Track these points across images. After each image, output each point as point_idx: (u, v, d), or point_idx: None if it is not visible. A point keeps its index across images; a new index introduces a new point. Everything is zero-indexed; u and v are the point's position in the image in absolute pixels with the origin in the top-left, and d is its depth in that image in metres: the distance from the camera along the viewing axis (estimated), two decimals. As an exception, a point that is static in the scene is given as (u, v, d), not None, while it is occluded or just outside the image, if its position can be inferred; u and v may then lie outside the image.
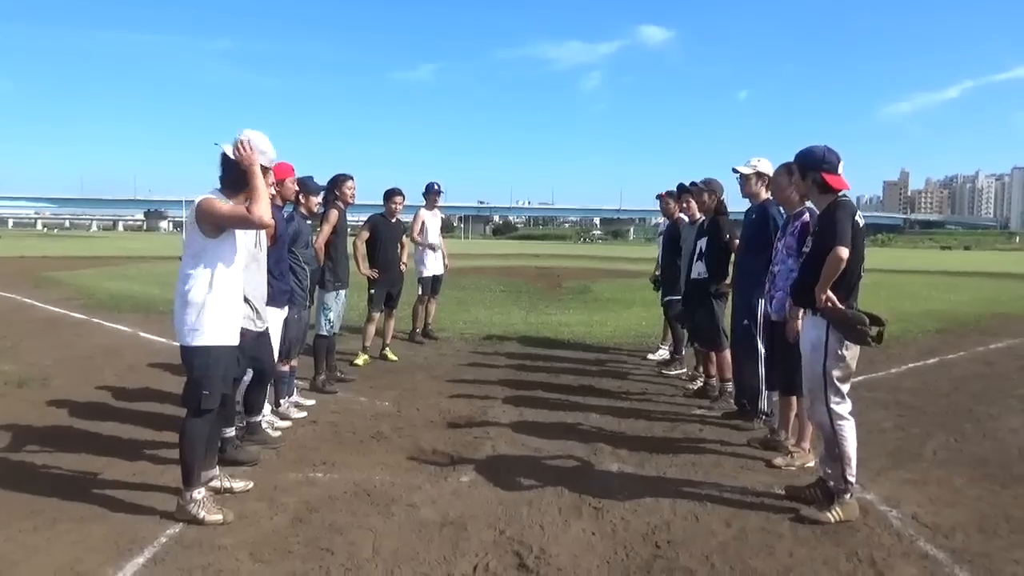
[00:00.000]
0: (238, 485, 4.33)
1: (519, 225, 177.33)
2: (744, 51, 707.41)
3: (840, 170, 4.14)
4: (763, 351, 5.53)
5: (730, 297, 6.32)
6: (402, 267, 8.56)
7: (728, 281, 6.42)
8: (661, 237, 9.07)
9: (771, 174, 5.67)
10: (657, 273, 9.15)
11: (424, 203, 9.77)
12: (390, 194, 8.42)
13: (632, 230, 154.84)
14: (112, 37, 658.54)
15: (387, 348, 8.60)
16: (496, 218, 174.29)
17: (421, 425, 5.84)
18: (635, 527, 3.91)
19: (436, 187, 9.72)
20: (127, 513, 3.97)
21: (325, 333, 6.87)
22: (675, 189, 7.72)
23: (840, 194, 4.13)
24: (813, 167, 4.13)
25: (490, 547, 3.66)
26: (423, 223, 9.63)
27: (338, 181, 7.03)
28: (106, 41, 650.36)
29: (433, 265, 9.74)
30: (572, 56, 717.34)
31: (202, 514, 3.85)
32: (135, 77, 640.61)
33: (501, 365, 8.36)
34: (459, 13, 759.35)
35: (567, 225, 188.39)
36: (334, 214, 6.92)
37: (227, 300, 3.90)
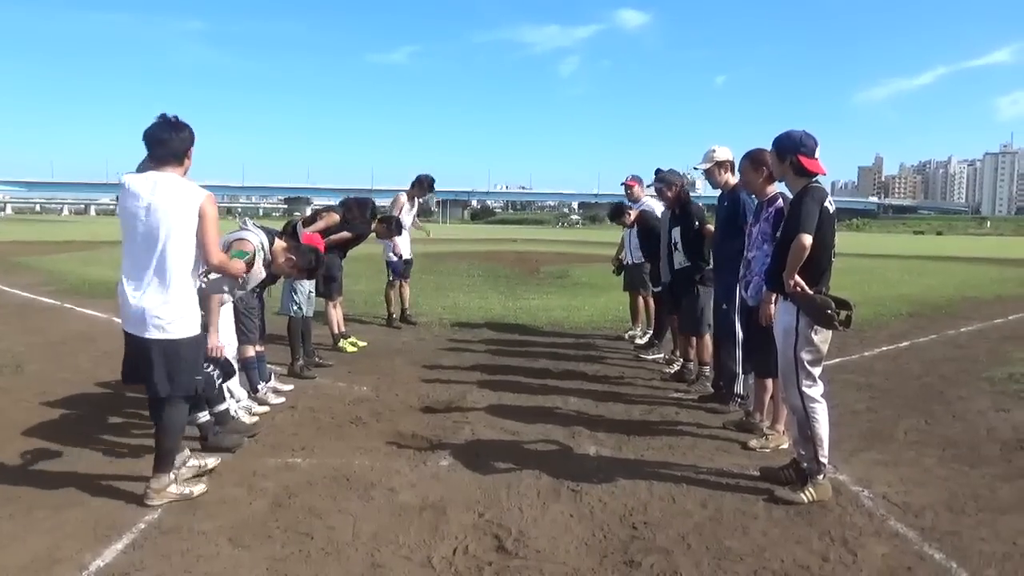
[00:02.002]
0: (211, 461, 4.37)
1: (497, 209, 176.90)
2: (721, 37, 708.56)
3: (817, 154, 4.18)
4: (741, 335, 5.60)
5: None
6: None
7: (711, 266, 6.49)
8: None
9: (731, 159, 5.77)
10: (620, 256, 9.21)
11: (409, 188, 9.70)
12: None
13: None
14: (81, 17, 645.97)
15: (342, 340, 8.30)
16: (474, 202, 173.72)
17: (400, 410, 5.85)
18: (613, 509, 3.96)
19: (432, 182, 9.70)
20: (104, 499, 3.95)
21: (293, 315, 6.87)
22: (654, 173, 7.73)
23: (814, 180, 4.17)
24: (791, 150, 4.17)
25: (469, 530, 3.69)
26: (402, 207, 9.58)
27: (367, 207, 7.84)
28: (75, 21, 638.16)
29: (404, 249, 9.65)
30: (550, 40, 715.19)
31: (187, 489, 3.93)
32: (106, 58, 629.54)
33: (479, 350, 8.38)
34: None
35: (548, 208, 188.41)
36: (335, 218, 7.35)
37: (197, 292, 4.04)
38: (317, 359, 7.26)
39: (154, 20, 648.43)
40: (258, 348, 5.94)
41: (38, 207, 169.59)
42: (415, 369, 7.30)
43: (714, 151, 5.91)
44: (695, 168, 6.00)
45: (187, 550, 3.43)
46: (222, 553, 3.42)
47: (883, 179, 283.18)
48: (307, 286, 6.92)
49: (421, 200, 9.87)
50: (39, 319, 10.15)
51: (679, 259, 6.67)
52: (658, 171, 7.46)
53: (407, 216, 9.59)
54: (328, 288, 7.94)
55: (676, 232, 6.65)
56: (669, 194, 6.74)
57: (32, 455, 4.63)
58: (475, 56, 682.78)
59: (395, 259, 9.52)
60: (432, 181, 9.69)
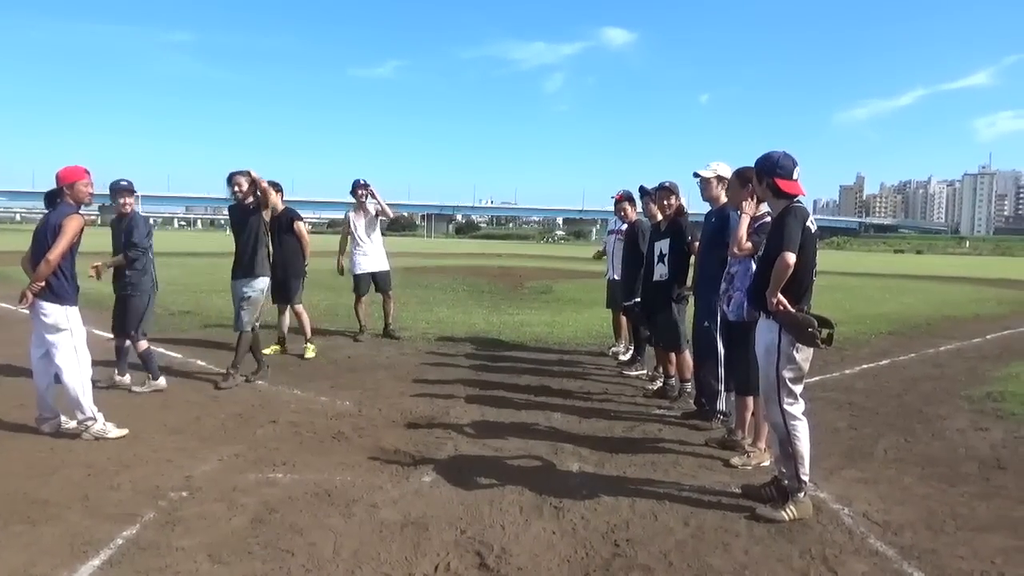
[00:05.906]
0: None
1: (482, 224, 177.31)
2: (705, 56, 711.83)
3: (795, 176, 4.20)
4: (722, 352, 5.62)
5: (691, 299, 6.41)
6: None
7: (689, 284, 6.51)
8: (611, 237, 9.13)
9: (728, 177, 5.79)
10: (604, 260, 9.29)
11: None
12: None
13: (595, 231, 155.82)
14: (66, 27, 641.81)
15: (283, 344, 8.77)
16: (459, 217, 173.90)
17: (382, 425, 5.83)
18: (595, 526, 3.96)
19: (359, 182, 9.64)
20: (81, 514, 3.91)
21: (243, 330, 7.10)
22: (637, 191, 7.77)
23: (795, 200, 4.22)
24: (768, 172, 4.21)
25: (451, 547, 3.68)
26: (351, 223, 9.79)
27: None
28: (60, 31, 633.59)
29: (365, 262, 9.79)
30: (535, 56, 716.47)
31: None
32: (90, 68, 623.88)
33: (463, 365, 8.37)
34: (422, 10, 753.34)
35: (533, 224, 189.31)
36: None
37: None
38: (246, 376, 7.17)
39: (140, 31, 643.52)
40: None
41: (18, 217, 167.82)
42: (398, 384, 7.27)
43: (717, 165, 5.94)
44: (694, 175, 5.98)
45: (165, 566, 3.39)
46: (201, 570, 3.38)
47: (864, 198, 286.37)
48: (256, 294, 7.09)
49: (376, 212, 9.82)
50: (17, 330, 9.97)
51: (660, 271, 6.69)
52: (641, 188, 7.51)
53: (361, 224, 9.74)
54: (274, 293, 8.14)
55: (664, 244, 6.65)
56: (671, 204, 6.73)
57: (7, 468, 4.57)
58: (461, 72, 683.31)
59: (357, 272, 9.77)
60: (357, 180, 9.63)
